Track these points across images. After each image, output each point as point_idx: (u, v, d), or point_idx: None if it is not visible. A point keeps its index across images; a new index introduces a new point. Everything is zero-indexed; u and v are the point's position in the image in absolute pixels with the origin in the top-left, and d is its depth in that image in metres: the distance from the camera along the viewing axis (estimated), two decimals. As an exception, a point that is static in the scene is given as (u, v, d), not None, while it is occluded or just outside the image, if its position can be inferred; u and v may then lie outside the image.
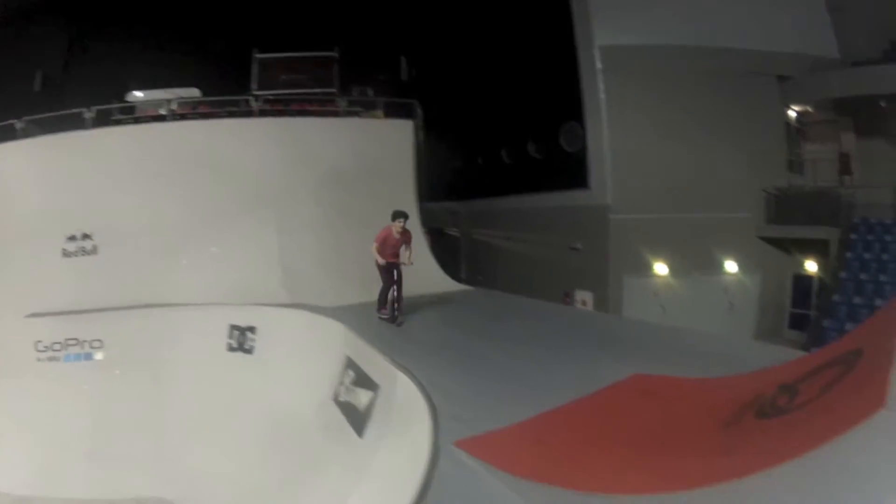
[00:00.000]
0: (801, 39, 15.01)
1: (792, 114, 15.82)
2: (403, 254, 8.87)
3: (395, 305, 8.92)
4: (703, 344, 7.76)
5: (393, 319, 8.88)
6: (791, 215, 14.42)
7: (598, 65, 14.44)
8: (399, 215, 8.73)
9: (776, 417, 4.27)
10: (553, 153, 15.73)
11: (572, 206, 15.07)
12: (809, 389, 4.45)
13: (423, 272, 11.18)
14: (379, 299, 9.03)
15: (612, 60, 14.41)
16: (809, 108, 15.80)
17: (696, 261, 14.36)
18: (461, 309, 9.62)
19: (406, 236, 8.79)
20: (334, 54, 14.03)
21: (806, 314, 14.43)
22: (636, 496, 3.63)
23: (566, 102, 14.93)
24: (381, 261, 8.61)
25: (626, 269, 14.22)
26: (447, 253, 14.70)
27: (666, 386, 5.86)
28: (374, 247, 8.57)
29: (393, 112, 13.95)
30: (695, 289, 14.28)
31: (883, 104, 14.59)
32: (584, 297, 14.35)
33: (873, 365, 3.82)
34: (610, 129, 14.41)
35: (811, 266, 14.47)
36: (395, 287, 8.92)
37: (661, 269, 14.30)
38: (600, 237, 14.34)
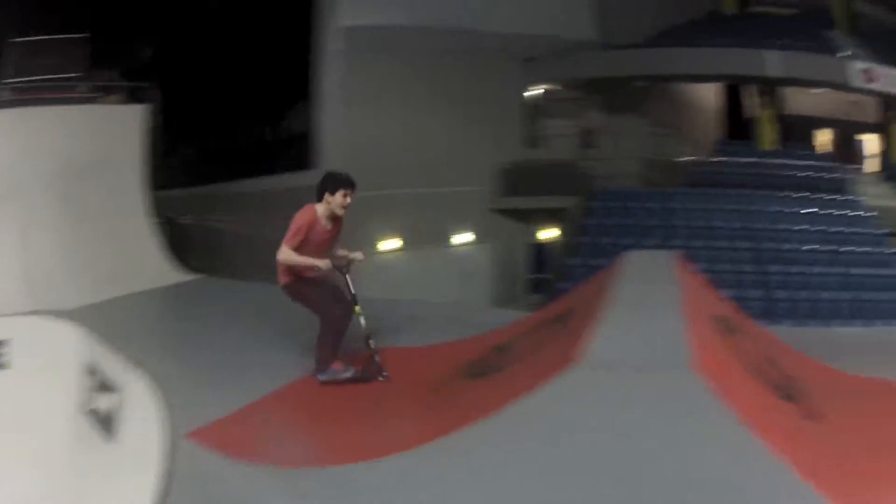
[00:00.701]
0: (553, 23, 15.83)
1: (539, 91, 16.58)
2: (337, 255, 5.77)
3: (374, 350, 5.62)
4: (434, 314, 8.28)
5: (378, 371, 5.55)
6: (527, 187, 15.06)
7: (335, 44, 14.86)
8: (341, 184, 5.45)
9: (489, 376, 4.72)
10: (285, 134, 16.32)
11: (303, 187, 14.82)
12: (522, 348, 5.00)
13: (152, 265, 11.47)
14: (320, 348, 5.54)
15: (351, 40, 14.80)
16: (558, 87, 16.59)
17: (431, 235, 14.77)
18: (192, 300, 9.62)
19: (338, 225, 5.68)
20: (85, 36, 13.69)
21: (545, 278, 14.78)
22: (355, 464, 3.81)
23: (299, 82, 15.33)
24: (321, 264, 5.40)
25: (357, 246, 14.26)
26: (179, 242, 14.37)
27: (388, 357, 6.11)
28: (283, 250, 5.31)
29: (139, 96, 13.79)
30: (431, 262, 14.58)
31: (641, 84, 15.92)
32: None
33: (580, 323, 4.34)
34: (342, 108, 14.76)
35: (550, 233, 15.12)
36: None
37: (395, 244, 14.58)
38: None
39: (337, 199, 5.36)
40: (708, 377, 3.10)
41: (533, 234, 15.59)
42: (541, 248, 15.53)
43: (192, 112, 18.64)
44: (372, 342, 5.57)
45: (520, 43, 15.62)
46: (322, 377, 5.48)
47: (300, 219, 5.38)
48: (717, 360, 3.53)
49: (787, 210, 14.70)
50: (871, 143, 21.37)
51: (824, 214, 14.80)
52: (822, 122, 21.65)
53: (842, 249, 13.60)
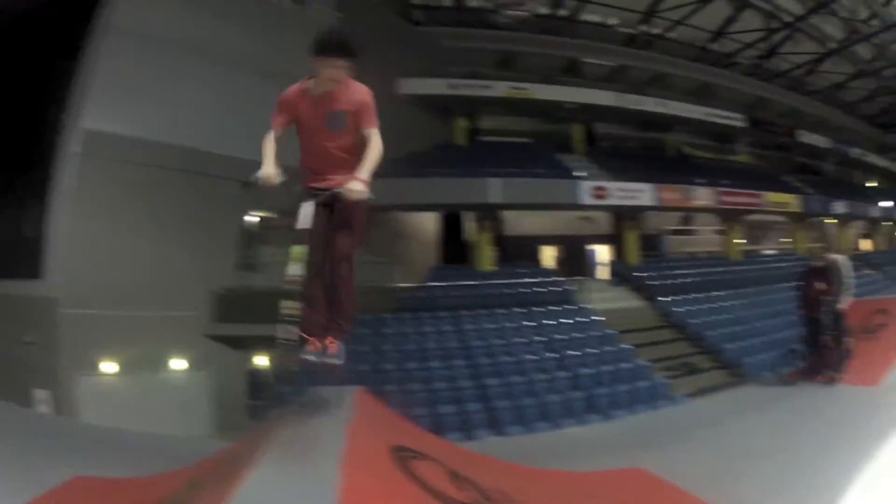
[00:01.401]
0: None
1: (256, 217, 17.44)
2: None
3: None
4: (142, 444, 8.40)
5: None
6: (241, 314, 15.45)
7: (76, 148, 14.81)
8: (332, 47, 4.01)
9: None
10: (13, 238, 15.56)
11: (26, 297, 14.79)
12: (212, 485, 4.73)
13: None
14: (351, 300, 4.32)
15: (92, 146, 14.85)
16: (274, 214, 17.27)
17: (151, 359, 14.98)
18: None
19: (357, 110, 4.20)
20: None
21: (263, 406, 14.59)
22: None
23: (33, 184, 15.06)
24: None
25: (80, 367, 14.34)
26: None
27: (105, 487, 6.21)
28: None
29: None
30: (149, 388, 14.75)
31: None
32: (42, 396, 14.15)
33: (245, 465, 4.16)
34: (72, 218, 14.65)
35: (262, 361, 15.50)
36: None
37: (115, 367, 14.63)
38: (52, 332, 14.35)
39: (327, 71, 4.04)
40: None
41: (249, 361, 15.89)
42: (256, 374, 15.65)
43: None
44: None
45: (242, 167, 15.86)
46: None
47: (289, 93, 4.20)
48: (378, 497, 3.52)
49: (505, 325, 15.97)
50: (602, 251, 23.80)
51: (547, 325, 16.21)
52: (550, 239, 23.88)
53: (567, 353, 14.71)
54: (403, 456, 4.20)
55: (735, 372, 15.02)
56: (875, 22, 28.61)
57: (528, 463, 5.79)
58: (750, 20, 27.53)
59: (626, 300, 19.64)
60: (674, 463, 5.26)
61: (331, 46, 3.96)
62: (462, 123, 23.54)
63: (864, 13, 28.03)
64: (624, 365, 14.63)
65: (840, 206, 32.03)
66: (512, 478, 5.02)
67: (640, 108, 26.34)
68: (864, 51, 31.74)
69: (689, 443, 5.87)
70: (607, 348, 15.36)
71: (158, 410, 14.23)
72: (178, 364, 15.47)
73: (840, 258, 9.37)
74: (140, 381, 14.84)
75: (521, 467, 5.56)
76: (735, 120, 30.55)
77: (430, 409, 12.12)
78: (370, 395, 5.98)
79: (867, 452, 5.17)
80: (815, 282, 9.12)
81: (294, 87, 4.23)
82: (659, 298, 19.22)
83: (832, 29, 29.28)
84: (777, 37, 28.92)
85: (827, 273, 9.08)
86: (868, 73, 34.01)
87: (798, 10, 27.42)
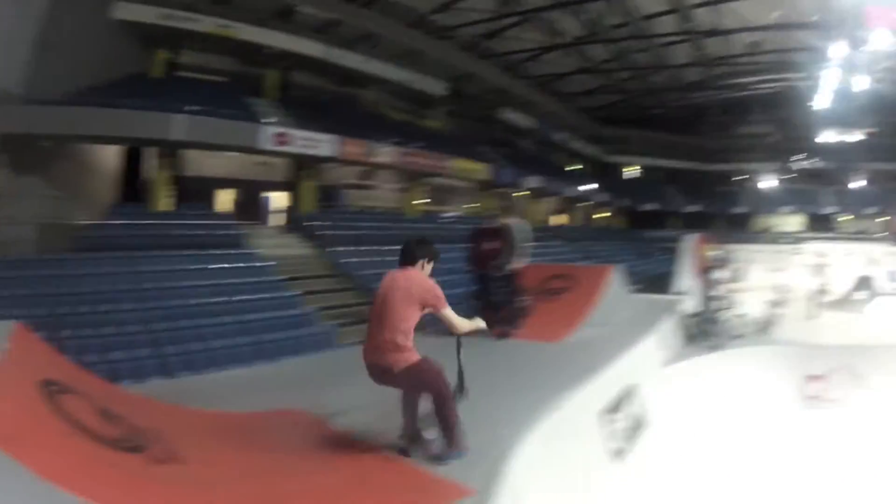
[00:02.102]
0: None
1: None
2: None
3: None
4: None
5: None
6: None
7: None
8: (435, 254, 5.30)
9: None
10: None
11: None
12: None
13: None
14: (452, 420, 4.79)
15: None
16: None
17: None
18: None
19: None
20: None
21: None
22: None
23: None
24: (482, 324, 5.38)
25: None
26: None
27: None
28: (452, 313, 5.09)
29: None
30: None
31: (46, 143, 16.77)
32: None
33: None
34: None
35: None
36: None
37: None
38: None
39: (428, 269, 5.03)
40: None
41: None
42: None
43: None
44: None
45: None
46: (457, 456, 4.69)
47: (433, 283, 4.85)
48: (18, 427, 3.59)
49: (176, 268, 16.31)
50: (279, 199, 25.81)
51: (217, 268, 16.88)
52: (228, 182, 25.27)
53: (236, 298, 15.24)
54: (52, 390, 4.26)
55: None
56: (624, 30, 32.45)
57: (192, 405, 5.92)
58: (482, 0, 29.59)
59: (297, 247, 21.08)
60: (335, 405, 5.63)
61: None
62: (162, 55, 23.47)
63: (614, 20, 31.69)
64: (292, 311, 15.56)
65: (533, 181, 36.58)
66: (166, 417, 5.24)
67: (342, 63, 28.10)
68: (597, 51, 36.03)
69: (353, 386, 5.89)
70: (276, 294, 16.33)
71: None
72: None
73: (514, 221, 9.95)
74: None
75: (179, 407, 5.68)
76: (436, 88, 33.48)
77: (101, 356, 11.60)
78: (27, 329, 5.68)
79: (546, 401, 5.78)
80: (485, 242, 9.64)
81: None
82: (329, 249, 20.90)
83: (570, 25, 32.71)
84: (506, 21, 31.51)
85: (500, 234, 9.53)
86: (596, 72, 38.97)
87: (539, 2, 30.09)
